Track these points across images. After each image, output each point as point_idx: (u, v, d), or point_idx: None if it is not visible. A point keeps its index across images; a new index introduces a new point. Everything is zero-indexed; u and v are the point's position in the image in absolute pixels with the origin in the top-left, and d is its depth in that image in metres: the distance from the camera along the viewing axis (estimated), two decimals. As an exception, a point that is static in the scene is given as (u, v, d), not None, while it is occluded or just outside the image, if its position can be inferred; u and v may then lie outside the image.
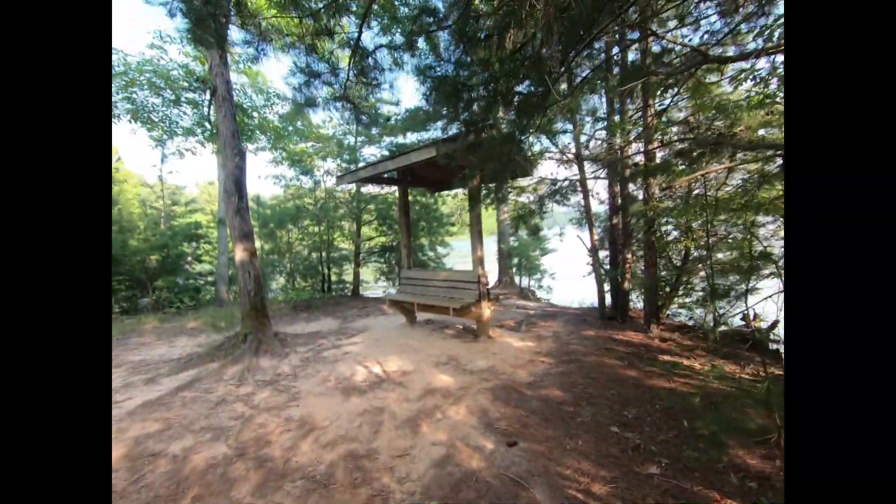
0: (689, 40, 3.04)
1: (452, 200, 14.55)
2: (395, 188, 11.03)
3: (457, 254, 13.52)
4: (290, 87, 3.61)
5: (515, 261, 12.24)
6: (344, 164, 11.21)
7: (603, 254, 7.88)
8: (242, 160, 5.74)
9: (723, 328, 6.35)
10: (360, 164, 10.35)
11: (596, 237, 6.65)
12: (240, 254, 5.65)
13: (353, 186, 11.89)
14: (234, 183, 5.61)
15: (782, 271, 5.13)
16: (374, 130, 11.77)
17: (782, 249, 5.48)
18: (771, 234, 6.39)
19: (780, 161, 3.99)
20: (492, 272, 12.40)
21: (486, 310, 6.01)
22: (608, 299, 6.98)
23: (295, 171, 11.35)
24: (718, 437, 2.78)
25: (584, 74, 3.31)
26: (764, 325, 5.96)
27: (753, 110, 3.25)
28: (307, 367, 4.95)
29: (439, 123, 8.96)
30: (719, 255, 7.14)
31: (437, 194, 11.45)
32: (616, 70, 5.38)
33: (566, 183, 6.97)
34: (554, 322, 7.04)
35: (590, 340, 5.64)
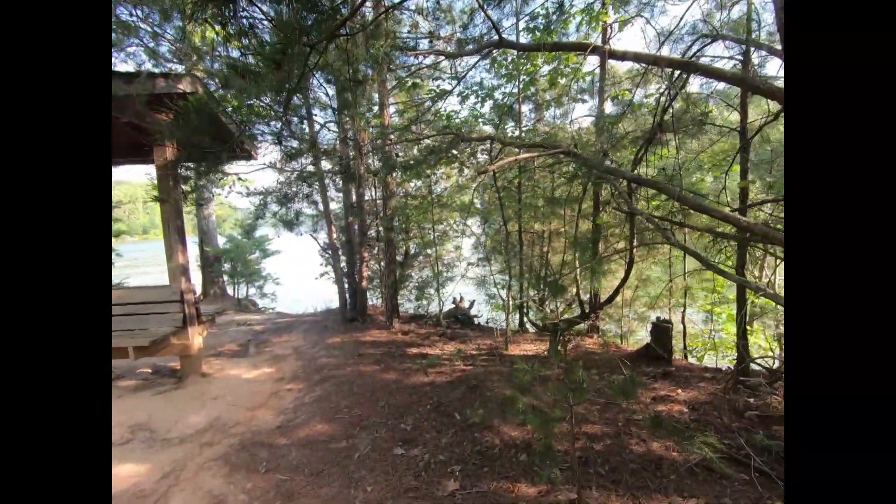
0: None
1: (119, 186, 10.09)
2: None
3: (127, 263, 9.48)
4: None
5: (227, 266, 9.89)
6: None
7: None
8: None
9: (435, 312, 7.47)
10: None
11: (335, 236, 6.17)
12: None
13: None
14: None
15: (485, 260, 6.52)
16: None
17: (468, 240, 6.97)
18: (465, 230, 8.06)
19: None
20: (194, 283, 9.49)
21: (197, 338, 4.29)
22: (349, 300, 6.70)
23: None
24: (486, 422, 2.95)
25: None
26: (466, 304, 7.43)
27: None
28: None
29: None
30: (429, 251, 8.36)
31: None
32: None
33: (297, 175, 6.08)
34: (291, 335, 6.02)
35: (338, 349, 5.12)
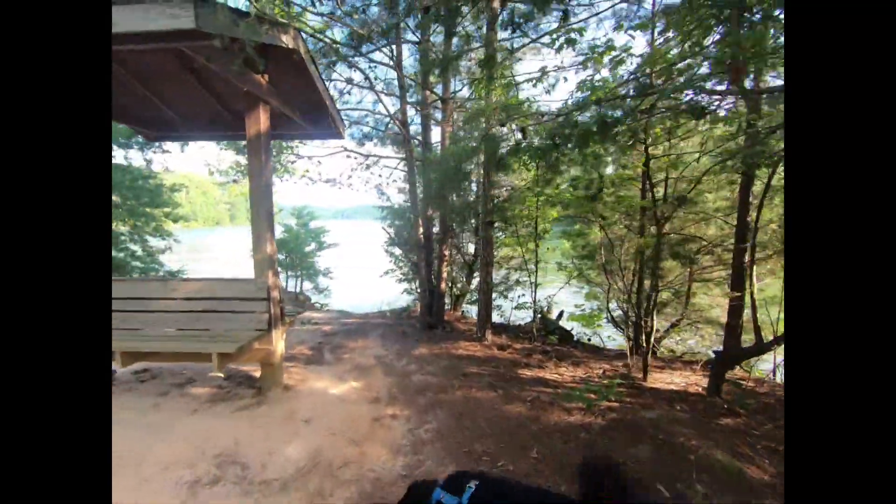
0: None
1: (182, 159, 9.88)
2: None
3: (189, 249, 9.20)
4: None
5: (283, 257, 9.44)
6: None
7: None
8: None
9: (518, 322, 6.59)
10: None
11: (422, 231, 5.41)
12: None
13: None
14: None
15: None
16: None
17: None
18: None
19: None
20: (245, 272, 9.06)
21: (280, 342, 3.64)
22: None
23: None
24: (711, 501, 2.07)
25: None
26: (554, 315, 6.52)
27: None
28: None
29: None
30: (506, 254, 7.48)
31: (159, 145, 7.07)
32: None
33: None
34: (367, 339, 5.33)
35: (431, 364, 4.35)
